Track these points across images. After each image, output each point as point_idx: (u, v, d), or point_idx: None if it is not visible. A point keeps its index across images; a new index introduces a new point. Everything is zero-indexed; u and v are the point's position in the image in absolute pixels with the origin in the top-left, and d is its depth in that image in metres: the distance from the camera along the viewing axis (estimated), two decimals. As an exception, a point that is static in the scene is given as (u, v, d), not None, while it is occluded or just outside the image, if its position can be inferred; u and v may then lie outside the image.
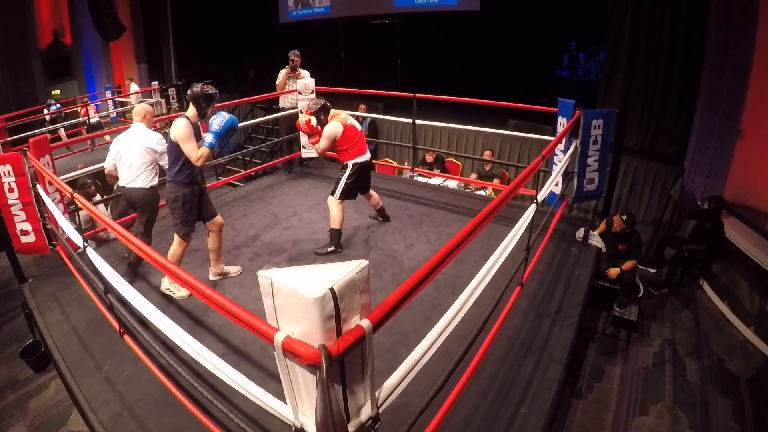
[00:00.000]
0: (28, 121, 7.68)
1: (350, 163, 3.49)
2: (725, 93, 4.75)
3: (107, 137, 7.86)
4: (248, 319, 1.20)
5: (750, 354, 3.89)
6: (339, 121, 3.40)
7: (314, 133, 3.43)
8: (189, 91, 2.76)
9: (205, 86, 2.75)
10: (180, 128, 2.69)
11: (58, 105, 8.61)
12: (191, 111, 2.78)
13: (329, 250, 3.55)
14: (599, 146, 3.54)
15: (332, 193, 3.53)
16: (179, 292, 2.99)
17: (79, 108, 8.45)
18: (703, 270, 4.87)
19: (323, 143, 3.41)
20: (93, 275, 2.48)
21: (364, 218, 4.16)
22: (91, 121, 8.01)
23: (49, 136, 7.78)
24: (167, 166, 2.90)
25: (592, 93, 6.21)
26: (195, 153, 2.72)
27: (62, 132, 7.82)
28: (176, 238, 2.99)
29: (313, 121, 3.39)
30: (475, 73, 8.01)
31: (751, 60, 4.46)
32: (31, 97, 9.48)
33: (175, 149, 2.76)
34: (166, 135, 2.94)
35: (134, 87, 9.76)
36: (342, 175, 3.52)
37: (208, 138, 2.69)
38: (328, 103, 3.47)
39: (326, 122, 3.43)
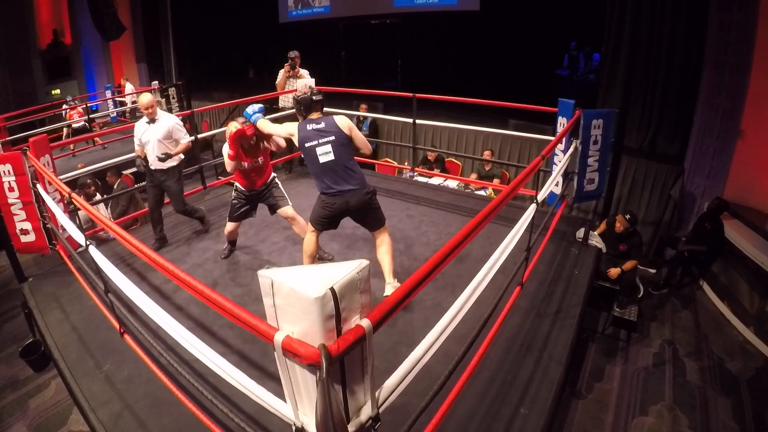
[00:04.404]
0: (29, 121, 7.68)
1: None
2: (725, 93, 4.75)
3: (98, 140, 7.64)
4: (248, 319, 1.20)
5: (750, 354, 3.89)
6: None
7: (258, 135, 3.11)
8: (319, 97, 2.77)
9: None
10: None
11: (76, 101, 8.59)
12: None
13: None
14: (599, 146, 3.54)
15: (289, 206, 3.40)
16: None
17: (68, 110, 8.31)
18: (703, 270, 4.87)
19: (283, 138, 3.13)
20: (93, 274, 2.48)
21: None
22: (75, 126, 7.85)
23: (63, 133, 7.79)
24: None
25: (592, 93, 6.21)
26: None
27: (65, 131, 7.85)
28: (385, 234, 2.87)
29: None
30: (475, 73, 8.01)
31: (751, 60, 4.46)
32: (31, 97, 9.48)
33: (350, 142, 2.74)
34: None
35: (129, 87, 9.73)
36: (279, 183, 3.41)
37: None
38: None
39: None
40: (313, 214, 2.89)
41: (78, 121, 7.93)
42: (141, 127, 3.50)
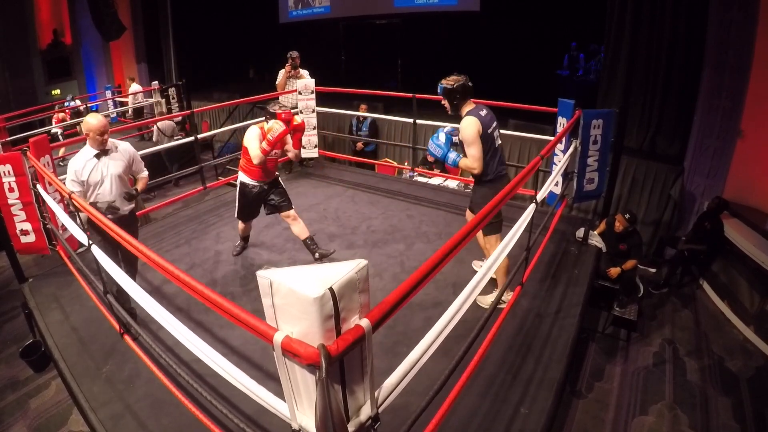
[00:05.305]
0: (29, 121, 7.67)
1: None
2: (725, 93, 4.75)
3: (61, 150, 7.07)
4: (247, 319, 1.20)
5: (750, 353, 3.89)
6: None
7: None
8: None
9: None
10: None
11: (77, 101, 8.55)
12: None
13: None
14: (599, 146, 3.54)
15: (292, 209, 3.33)
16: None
17: (55, 114, 8.12)
18: (703, 270, 4.87)
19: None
20: (93, 275, 2.48)
21: (364, 218, 4.16)
22: (53, 131, 7.57)
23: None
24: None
25: (592, 93, 6.21)
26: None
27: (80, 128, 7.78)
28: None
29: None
30: (475, 73, 7.94)
31: (751, 60, 4.46)
32: (31, 97, 9.49)
33: None
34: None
35: (135, 87, 9.72)
36: (282, 183, 3.32)
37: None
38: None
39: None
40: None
41: (54, 126, 7.76)
42: (85, 164, 2.54)
